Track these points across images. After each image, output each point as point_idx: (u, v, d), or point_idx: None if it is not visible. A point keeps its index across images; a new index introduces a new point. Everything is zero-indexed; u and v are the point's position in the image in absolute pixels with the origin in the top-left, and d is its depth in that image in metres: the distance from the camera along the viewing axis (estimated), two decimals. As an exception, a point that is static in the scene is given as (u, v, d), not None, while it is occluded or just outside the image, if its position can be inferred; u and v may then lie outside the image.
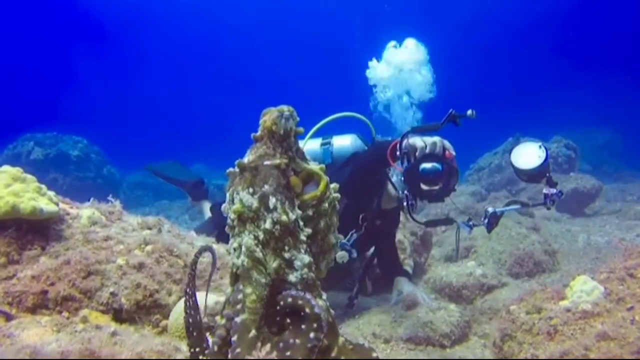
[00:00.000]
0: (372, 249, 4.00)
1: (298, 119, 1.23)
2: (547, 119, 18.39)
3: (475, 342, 3.22)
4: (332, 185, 1.26)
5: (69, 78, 30.58)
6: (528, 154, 2.65)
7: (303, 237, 1.15)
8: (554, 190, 2.73)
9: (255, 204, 1.15)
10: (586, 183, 8.00)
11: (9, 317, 1.55)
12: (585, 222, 7.12)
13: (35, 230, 1.92)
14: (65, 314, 1.62)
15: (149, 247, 1.98)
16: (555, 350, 1.83)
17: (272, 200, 1.14)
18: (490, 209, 2.98)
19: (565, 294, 2.16)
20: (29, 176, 2.04)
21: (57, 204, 2.07)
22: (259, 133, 1.22)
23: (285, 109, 1.21)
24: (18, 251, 1.81)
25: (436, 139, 2.99)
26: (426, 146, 2.94)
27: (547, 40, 29.75)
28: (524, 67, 29.71)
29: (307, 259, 1.13)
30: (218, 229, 3.88)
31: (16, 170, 2.01)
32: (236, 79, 34.26)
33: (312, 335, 1.04)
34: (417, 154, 2.96)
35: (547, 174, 2.76)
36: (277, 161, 1.18)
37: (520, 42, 30.33)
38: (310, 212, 1.18)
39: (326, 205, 1.20)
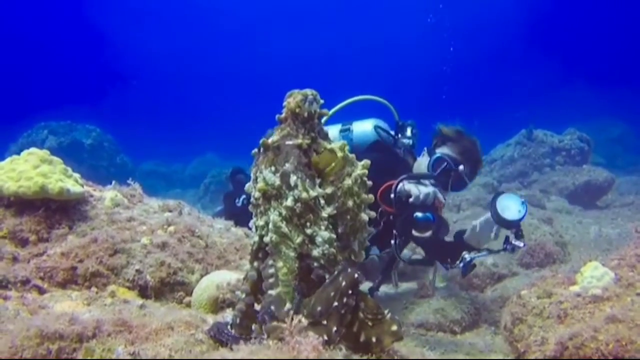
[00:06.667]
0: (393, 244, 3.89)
1: (322, 101, 1.28)
2: (561, 111, 18.23)
3: (485, 329, 3.27)
4: (362, 163, 1.29)
5: (82, 67, 30.90)
6: (511, 206, 2.95)
7: (324, 215, 1.19)
8: (519, 244, 2.96)
9: (277, 181, 1.19)
10: (599, 176, 7.97)
11: (41, 291, 1.63)
12: (597, 215, 7.08)
13: (62, 210, 2.00)
14: (94, 289, 1.69)
15: (171, 228, 2.05)
16: (564, 332, 1.86)
17: (293, 178, 1.19)
18: (467, 256, 3.15)
19: (575, 279, 2.19)
20: (56, 158, 2.12)
21: (82, 186, 2.15)
22: (283, 115, 1.27)
23: (309, 92, 1.26)
24: (47, 229, 1.90)
25: (430, 189, 3.13)
26: (420, 195, 3.08)
27: (563, 33, 29.42)
28: (538, 59, 29.39)
29: (327, 235, 1.18)
30: (231, 217, 3.89)
31: (43, 152, 2.09)
32: (249, 71, 34.33)
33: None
34: (411, 200, 3.09)
35: (520, 227, 3.00)
36: (299, 141, 1.23)
37: (535, 35, 30.04)
38: (329, 190, 1.21)
39: (350, 182, 1.23)
